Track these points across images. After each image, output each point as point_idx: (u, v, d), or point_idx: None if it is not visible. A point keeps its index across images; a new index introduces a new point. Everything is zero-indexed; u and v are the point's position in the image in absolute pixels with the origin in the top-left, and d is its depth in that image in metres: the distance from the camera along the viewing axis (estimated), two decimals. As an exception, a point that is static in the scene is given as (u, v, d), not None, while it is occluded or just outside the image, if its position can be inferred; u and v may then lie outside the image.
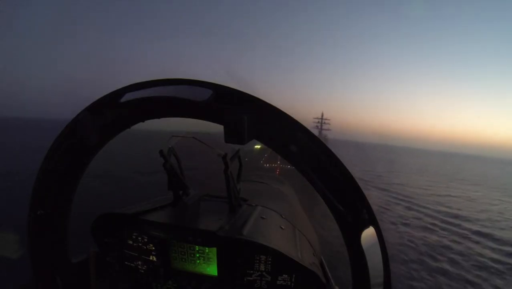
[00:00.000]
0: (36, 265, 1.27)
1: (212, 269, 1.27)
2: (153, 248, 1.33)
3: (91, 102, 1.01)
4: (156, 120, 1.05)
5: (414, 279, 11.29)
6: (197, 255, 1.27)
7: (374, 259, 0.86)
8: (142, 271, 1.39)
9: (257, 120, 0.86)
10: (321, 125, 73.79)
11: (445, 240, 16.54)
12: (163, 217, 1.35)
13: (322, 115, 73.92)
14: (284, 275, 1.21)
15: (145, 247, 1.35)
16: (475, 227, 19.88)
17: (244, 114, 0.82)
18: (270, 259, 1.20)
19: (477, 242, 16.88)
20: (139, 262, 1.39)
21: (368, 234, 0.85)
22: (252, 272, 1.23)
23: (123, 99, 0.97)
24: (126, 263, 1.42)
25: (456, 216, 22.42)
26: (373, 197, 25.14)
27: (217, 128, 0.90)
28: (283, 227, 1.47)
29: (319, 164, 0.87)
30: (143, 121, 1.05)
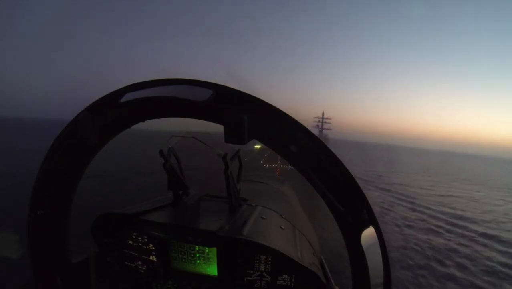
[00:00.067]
0: (36, 265, 1.27)
1: (212, 269, 1.27)
2: (153, 248, 1.33)
3: (91, 102, 1.02)
4: (156, 120, 1.05)
5: (422, 286, 10.88)
6: (197, 255, 1.27)
7: (374, 259, 0.86)
8: (142, 271, 1.39)
9: (257, 120, 0.86)
10: (322, 125, 72.99)
11: (452, 243, 16.11)
12: (163, 217, 1.35)
13: (323, 115, 73.03)
14: (284, 275, 1.21)
15: (145, 247, 1.35)
16: (481, 229, 19.43)
17: (244, 114, 0.82)
18: (270, 259, 1.20)
19: (484, 245, 16.37)
20: (139, 262, 1.39)
21: (368, 234, 0.85)
22: (252, 272, 1.23)
23: (123, 99, 0.97)
24: (126, 263, 1.42)
25: (461, 217, 21.95)
26: (376, 198, 24.92)
27: (217, 128, 0.90)
28: (283, 227, 1.47)
29: (319, 164, 0.87)
30: (143, 121, 1.05)
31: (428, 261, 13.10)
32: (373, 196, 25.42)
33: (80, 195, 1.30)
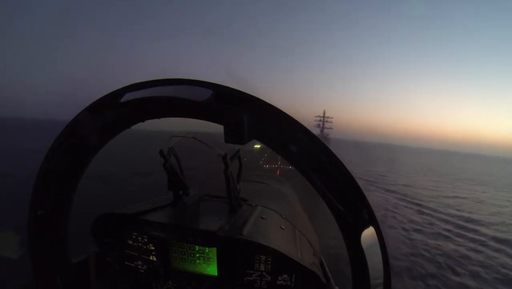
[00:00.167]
0: (36, 265, 1.27)
1: (212, 269, 1.27)
2: (153, 248, 1.33)
3: (91, 102, 1.02)
4: (156, 120, 1.05)
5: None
6: (197, 255, 1.27)
7: (374, 259, 0.86)
8: (142, 271, 1.39)
9: (257, 120, 0.86)
10: (323, 124, 71.82)
11: (463, 249, 15.41)
12: (163, 217, 1.35)
13: (324, 113, 71.87)
14: (284, 275, 1.21)
15: (145, 247, 1.35)
16: (491, 232, 18.83)
17: (244, 114, 0.82)
18: (270, 259, 1.20)
19: (496, 250, 15.40)
20: (139, 262, 1.39)
21: (368, 234, 0.85)
22: (252, 272, 1.23)
23: (123, 99, 0.97)
24: (126, 263, 1.42)
25: (469, 220, 21.37)
26: (381, 200, 24.44)
27: (217, 128, 0.90)
28: (283, 227, 1.47)
29: (319, 164, 0.87)
30: (143, 121, 1.05)
31: (440, 270, 12.49)
32: (377, 198, 24.94)
33: (80, 195, 1.30)
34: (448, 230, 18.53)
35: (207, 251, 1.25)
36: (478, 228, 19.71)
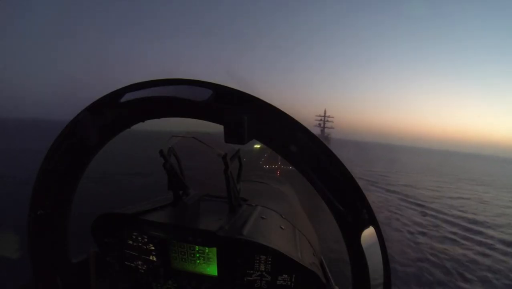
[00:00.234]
0: (36, 265, 1.27)
1: (212, 269, 1.27)
2: (153, 248, 1.33)
3: (91, 102, 1.01)
4: (156, 120, 1.05)
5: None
6: (197, 255, 1.27)
7: (374, 259, 0.86)
8: (142, 271, 1.39)
9: (257, 120, 0.86)
10: (324, 123, 70.60)
11: (470, 253, 14.88)
12: (163, 217, 1.35)
13: (325, 113, 70.56)
14: (284, 275, 1.20)
15: (145, 247, 1.35)
16: (497, 234, 18.31)
17: (244, 114, 0.82)
18: (270, 259, 1.20)
19: (504, 253, 15.16)
20: (139, 262, 1.39)
21: (368, 234, 0.85)
22: (252, 272, 1.23)
23: (123, 99, 0.97)
24: (126, 263, 1.42)
25: (474, 222, 20.91)
26: (384, 201, 24.17)
27: (217, 128, 0.90)
28: (283, 227, 1.47)
29: (319, 164, 0.87)
30: (143, 121, 1.05)
31: (448, 276, 12.05)
32: (380, 198, 24.63)
33: (80, 195, 1.30)
34: (454, 233, 18.06)
35: (207, 251, 1.25)
36: (483, 230, 19.31)
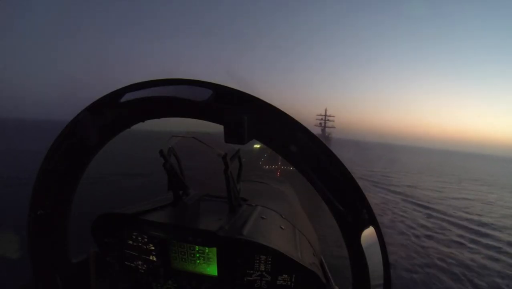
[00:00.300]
0: (36, 265, 1.27)
1: (212, 269, 1.27)
2: (153, 248, 1.33)
3: (91, 102, 1.01)
4: (156, 120, 1.05)
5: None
6: (197, 255, 1.27)
7: (374, 259, 0.86)
8: (142, 271, 1.39)
9: (257, 120, 0.86)
10: (325, 123, 69.72)
11: (479, 257, 14.37)
12: (163, 217, 1.35)
13: (326, 112, 69.60)
14: (284, 275, 1.20)
15: (145, 247, 1.35)
16: (505, 237, 17.77)
17: (244, 114, 0.82)
18: (270, 259, 1.20)
19: None
20: (139, 262, 1.39)
21: (368, 234, 0.85)
22: (252, 272, 1.23)
23: (123, 99, 0.97)
24: (126, 263, 1.42)
25: (480, 224, 20.40)
26: (388, 202, 23.68)
27: (217, 128, 0.90)
28: (283, 227, 1.47)
29: (319, 164, 0.87)
30: (143, 121, 1.05)
31: (458, 283, 11.59)
32: (383, 200, 24.11)
33: (80, 195, 1.30)
34: (460, 236, 17.62)
35: (207, 251, 1.25)
36: (490, 232, 18.88)
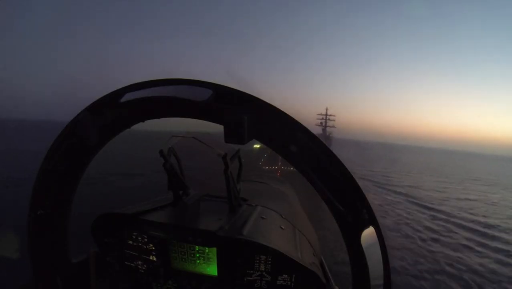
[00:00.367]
0: (36, 265, 1.27)
1: (212, 269, 1.27)
2: (153, 248, 1.33)
3: (91, 102, 1.01)
4: (156, 120, 1.05)
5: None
6: (197, 255, 1.27)
7: (374, 259, 0.86)
8: (142, 271, 1.39)
9: (257, 120, 0.85)
10: (326, 122, 68.85)
11: (487, 262, 13.95)
12: (163, 217, 1.35)
13: (327, 111, 68.68)
14: (284, 275, 1.20)
15: (145, 247, 1.35)
16: None
17: (244, 114, 0.82)
18: (270, 259, 1.20)
19: None
20: (139, 262, 1.39)
21: (368, 234, 0.85)
22: (252, 272, 1.23)
23: (123, 99, 0.97)
24: (126, 263, 1.42)
25: (486, 226, 19.94)
26: (391, 203, 23.35)
27: (217, 128, 0.90)
28: (283, 227, 1.47)
29: (319, 164, 0.87)
30: (143, 121, 1.05)
31: None
32: (386, 201, 23.78)
33: (80, 195, 1.30)
34: (467, 238, 17.15)
35: (207, 251, 1.25)
36: (497, 234, 18.48)
